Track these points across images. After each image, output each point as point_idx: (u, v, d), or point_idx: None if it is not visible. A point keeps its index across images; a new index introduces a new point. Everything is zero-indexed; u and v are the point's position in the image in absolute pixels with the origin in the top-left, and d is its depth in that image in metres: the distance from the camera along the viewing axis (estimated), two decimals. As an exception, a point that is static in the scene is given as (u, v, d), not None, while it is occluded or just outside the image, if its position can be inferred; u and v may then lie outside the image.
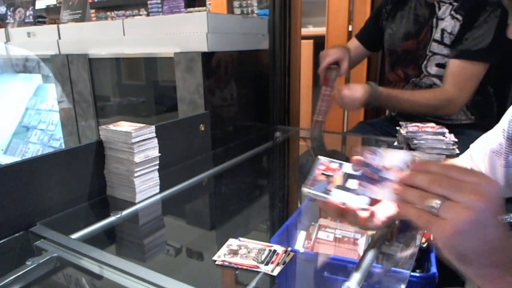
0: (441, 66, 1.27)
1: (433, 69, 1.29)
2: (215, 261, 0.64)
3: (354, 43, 1.52)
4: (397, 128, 1.18)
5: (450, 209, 0.42)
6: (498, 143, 0.66)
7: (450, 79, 1.22)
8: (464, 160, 0.75)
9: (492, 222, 0.42)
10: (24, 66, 1.87)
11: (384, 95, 1.24)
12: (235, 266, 0.63)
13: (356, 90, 1.21)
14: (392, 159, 0.51)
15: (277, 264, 0.63)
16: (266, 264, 0.63)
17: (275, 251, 0.66)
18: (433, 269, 0.70)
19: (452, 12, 1.23)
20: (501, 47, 1.17)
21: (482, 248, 0.42)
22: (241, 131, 1.46)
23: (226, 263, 0.63)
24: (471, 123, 1.32)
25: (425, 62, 1.30)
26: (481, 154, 0.71)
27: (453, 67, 1.21)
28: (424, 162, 0.46)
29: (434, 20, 1.27)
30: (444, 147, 1.05)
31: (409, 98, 1.26)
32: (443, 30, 1.24)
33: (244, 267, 0.62)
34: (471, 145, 0.75)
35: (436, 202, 0.42)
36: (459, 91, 1.20)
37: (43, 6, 4.24)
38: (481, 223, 0.41)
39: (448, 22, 1.23)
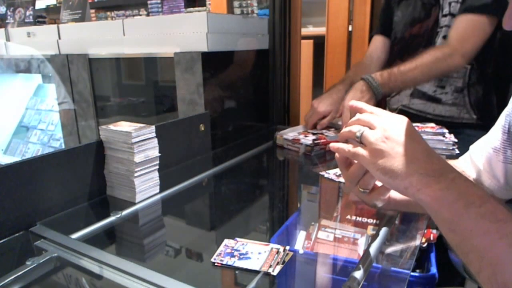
0: None
1: (440, 41, 1.29)
2: (214, 262, 0.64)
3: (377, 41, 1.50)
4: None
5: (368, 134, 0.51)
6: (497, 139, 0.66)
7: (453, 33, 1.21)
8: (463, 163, 0.75)
9: (405, 136, 0.50)
10: (24, 66, 1.87)
11: (387, 81, 1.20)
12: (233, 266, 0.63)
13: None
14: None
15: (277, 264, 0.63)
16: (265, 264, 0.63)
17: (273, 250, 0.66)
18: (433, 269, 0.71)
19: None
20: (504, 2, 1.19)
21: (404, 159, 0.48)
22: (241, 131, 1.46)
23: (224, 264, 0.63)
24: (472, 123, 1.32)
25: (436, 39, 1.30)
26: (480, 153, 0.70)
27: (457, 23, 1.21)
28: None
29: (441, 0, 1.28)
30: (444, 147, 1.05)
31: (415, 66, 1.20)
32: (450, 3, 1.26)
33: (243, 267, 0.62)
34: (471, 147, 0.74)
35: (358, 131, 0.52)
36: (460, 41, 1.19)
37: (43, 6, 4.25)
38: (395, 139, 0.49)
39: None
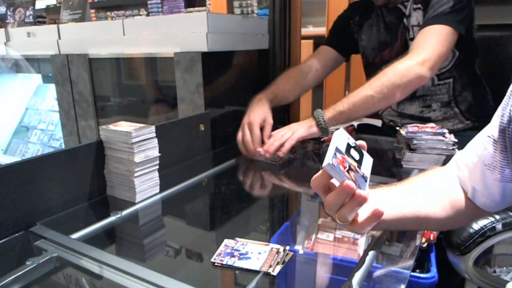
0: None
1: None
2: (214, 262, 0.64)
3: (322, 53, 1.42)
4: (397, 128, 1.18)
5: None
6: (490, 156, 0.60)
7: (412, 46, 1.13)
8: (450, 171, 0.70)
9: None
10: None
11: (338, 116, 1.08)
12: (233, 266, 0.63)
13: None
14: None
15: (277, 264, 0.63)
16: (265, 264, 0.63)
17: (273, 250, 0.66)
18: (433, 269, 0.71)
19: (414, 6, 1.21)
20: (464, 14, 1.12)
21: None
22: (241, 131, 1.45)
23: (224, 264, 0.63)
24: (470, 127, 1.31)
25: None
26: (469, 167, 0.65)
27: (418, 35, 1.14)
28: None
29: (405, 20, 1.24)
30: (444, 147, 1.05)
31: (368, 96, 1.06)
32: (413, 27, 1.23)
33: (243, 267, 0.62)
34: (454, 156, 0.70)
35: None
36: (421, 49, 1.08)
37: (43, 6, 4.24)
38: None
39: (414, 17, 1.22)
